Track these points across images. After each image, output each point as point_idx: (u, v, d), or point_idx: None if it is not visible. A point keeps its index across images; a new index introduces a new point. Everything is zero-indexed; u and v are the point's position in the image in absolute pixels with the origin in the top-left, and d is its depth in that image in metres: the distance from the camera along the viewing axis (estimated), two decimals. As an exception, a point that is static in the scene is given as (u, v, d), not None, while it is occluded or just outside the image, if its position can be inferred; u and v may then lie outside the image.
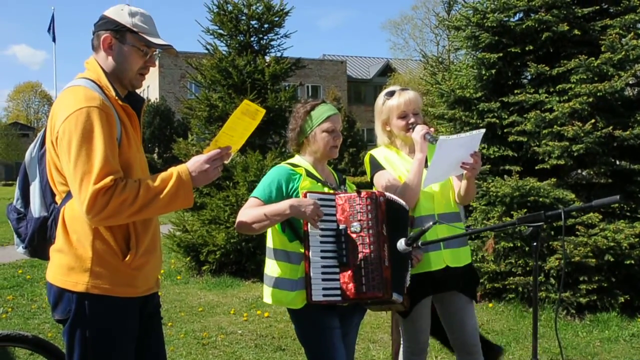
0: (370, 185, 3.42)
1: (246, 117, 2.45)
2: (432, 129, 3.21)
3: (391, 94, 3.32)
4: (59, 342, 5.33)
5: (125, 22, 2.40)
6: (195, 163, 2.38)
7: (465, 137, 3.02)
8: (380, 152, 3.38)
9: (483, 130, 3.06)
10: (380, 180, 3.27)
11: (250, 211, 2.80)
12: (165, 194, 2.28)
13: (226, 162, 2.49)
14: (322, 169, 3.07)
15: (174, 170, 2.35)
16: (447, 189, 3.31)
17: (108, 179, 2.19)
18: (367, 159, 3.41)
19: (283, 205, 2.72)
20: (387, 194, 2.96)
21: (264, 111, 2.50)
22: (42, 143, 2.46)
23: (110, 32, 2.41)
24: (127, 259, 2.36)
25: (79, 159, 2.20)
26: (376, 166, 3.32)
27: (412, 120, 3.24)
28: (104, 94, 2.35)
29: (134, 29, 2.41)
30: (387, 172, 3.27)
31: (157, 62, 2.84)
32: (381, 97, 3.37)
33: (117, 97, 2.39)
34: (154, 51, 2.49)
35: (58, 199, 2.40)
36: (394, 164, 3.30)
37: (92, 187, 2.17)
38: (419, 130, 3.16)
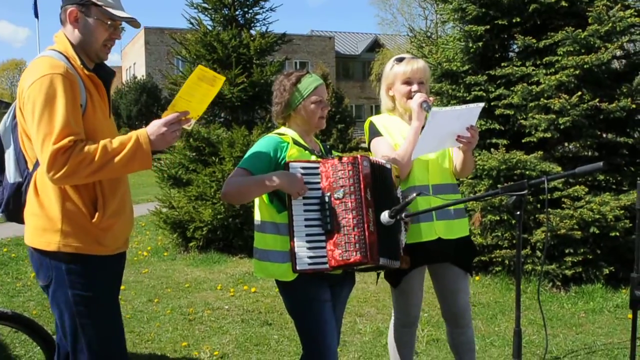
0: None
1: (203, 83, 2.51)
2: (431, 99, 3.18)
3: (400, 59, 3.29)
4: (43, 319, 5.32)
5: None
6: (153, 127, 2.48)
7: (462, 109, 2.96)
8: (380, 119, 3.36)
9: (482, 104, 3.01)
10: (377, 147, 3.25)
11: (236, 180, 2.78)
12: (122, 155, 2.39)
13: (187, 128, 2.60)
14: (309, 140, 3.04)
15: (133, 134, 2.46)
16: (444, 159, 3.27)
17: (66, 140, 2.30)
18: (367, 124, 3.39)
19: (270, 176, 2.71)
20: (372, 157, 2.94)
21: (223, 78, 2.56)
22: (15, 113, 2.59)
23: (76, 6, 2.52)
24: (94, 220, 2.49)
25: (42, 122, 2.32)
26: (374, 132, 3.30)
27: (415, 88, 3.20)
28: (70, 64, 2.46)
29: (99, 3, 2.51)
30: (384, 139, 3.24)
31: (121, 35, 2.84)
32: (390, 61, 3.35)
33: (82, 67, 2.50)
34: (119, 24, 2.60)
35: (30, 165, 2.53)
36: (391, 131, 3.27)
37: (52, 147, 2.28)
38: (417, 98, 3.13)
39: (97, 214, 2.50)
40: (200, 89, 2.51)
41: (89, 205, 2.50)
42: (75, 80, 2.42)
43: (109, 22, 2.54)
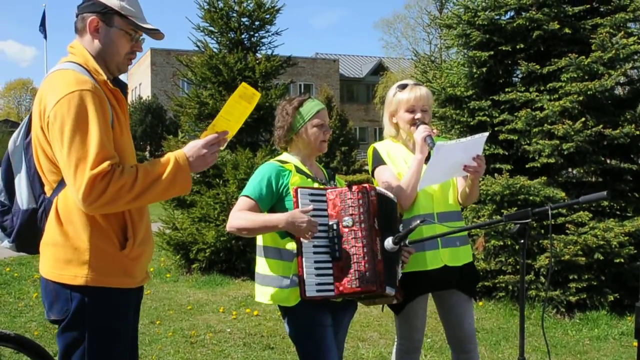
0: (365, 180, 3.40)
1: (243, 101, 2.41)
2: (435, 131, 3.19)
3: (403, 86, 3.29)
4: (45, 340, 5.29)
5: (113, 4, 2.33)
6: (192, 148, 2.32)
7: (466, 141, 2.98)
8: (383, 146, 3.35)
9: (486, 134, 3.02)
10: (380, 176, 3.25)
11: (242, 215, 2.78)
12: (163, 179, 2.22)
13: (222, 147, 2.44)
14: (310, 164, 3.05)
15: (171, 156, 2.28)
16: (448, 187, 3.28)
17: (105, 164, 2.10)
18: (370, 151, 3.39)
19: (276, 219, 2.70)
20: (378, 188, 2.95)
21: (259, 95, 2.46)
22: (28, 131, 2.37)
23: (96, 15, 2.33)
24: (125, 249, 2.29)
25: (73, 145, 2.10)
26: (378, 160, 3.30)
27: (418, 115, 3.20)
28: (92, 78, 2.26)
29: (122, 12, 2.33)
30: (387, 168, 3.25)
31: (142, 47, 2.74)
32: (393, 88, 3.35)
33: (106, 81, 2.31)
34: (141, 35, 2.43)
35: (48, 189, 2.30)
36: (395, 159, 3.28)
37: (89, 173, 2.08)
38: (421, 131, 3.12)
39: (127, 243, 2.30)
40: (239, 107, 2.41)
41: (118, 234, 2.29)
42: (104, 97, 2.23)
43: (132, 33, 2.37)
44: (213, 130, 2.38)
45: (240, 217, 2.78)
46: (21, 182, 2.36)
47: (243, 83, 2.46)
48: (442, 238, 3.11)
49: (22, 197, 2.35)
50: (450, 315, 3.31)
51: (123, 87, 2.47)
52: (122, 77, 2.55)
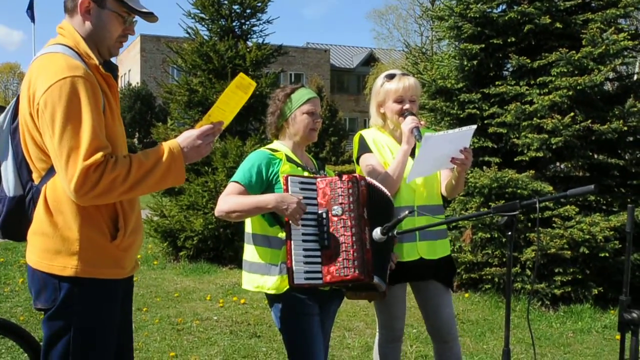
0: (354, 170, 3.39)
1: (239, 91, 2.38)
2: (422, 123, 3.18)
3: (391, 76, 3.28)
4: (30, 326, 5.28)
5: None
6: (187, 138, 2.28)
7: (454, 133, 2.99)
8: (370, 134, 3.35)
9: (474, 127, 3.02)
10: (365, 163, 3.25)
11: (230, 199, 2.78)
12: (157, 170, 2.17)
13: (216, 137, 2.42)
14: (301, 154, 3.06)
15: (165, 146, 2.23)
16: (431, 180, 3.29)
17: (98, 155, 2.04)
18: (356, 138, 3.38)
19: (265, 199, 2.70)
20: (369, 179, 2.96)
21: (255, 84, 2.43)
22: (14, 115, 2.28)
23: None
24: (116, 240, 2.25)
25: (65, 134, 2.03)
26: (364, 147, 3.30)
27: (407, 106, 3.20)
28: (84, 62, 2.18)
29: None
30: (373, 157, 3.25)
31: (134, 30, 2.64)
32: (381, 78, 3.34)
33: (98, 66, 2.23)
34: (134, 18, 2.33)
35: (36, 177, 2.23)
36: (382, 148, 3.28)
37: (82, 164, 2.02)
38: (409, 122, 3.12)
39: (118, 234, 2.25)
40: (235, 97, 2.37)
41: (109, 225, 2.24)
42: (96, 84, 2.15)
43: (125, 16, 2.28)
44: (208, 121, 2.34)
45: (229, 200, 2.78)
46: (8, 169, 2.29)
47: (241, 73, 2.42)
48: (420, 231, 3.12)
49: (9, 184, 2.28)
50: (428, 306, 3.33)
51: (114, 70, 2.39)
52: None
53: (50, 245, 2.19)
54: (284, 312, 2.88)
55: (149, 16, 2.35)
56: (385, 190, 2.99)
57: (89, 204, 2.14)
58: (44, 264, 2.20)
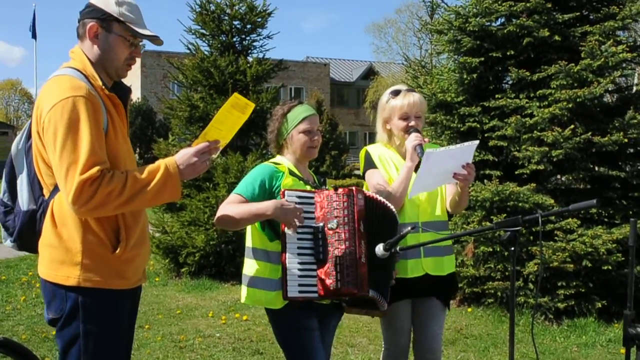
0: (354, 184, 3.39)
1: (235, 111, 2.44)
2: (426, 140, 3.19)
3: (396, 93, 3.29)
4: (32, 344, 5.25)
5: (112, 11, 2.40)
6: (183, 156, 2.38)
7: (455, 149, 2.99)
8: (376, 150, 3.36)
9: (476, 142, 3.03)
10: (371, 179, 3.26)
11: (231, 207, 2.79)
12: (152, 186, 2.28)
13: (214, 156, 2.49)
14: (303, 169, 3.07)
15: (161, 163, 2.34)
16: (435, 197, 3.28)
17: (95, 170, 2.17)
18: (362, 153, 3.39)
19: (265, 206, 2.71)
20: (369, 192, 2.96)
21: (253, 105, 2.49)
22: (29, 135, 2.44)
23: (96, 21, 2.40)
24: (117, 252, 2.35)
25: (65, 149, 2.18)
26: (369, 163, 3.31)
27: (412, 123, 3.21)
28: (89, 83, 2.33)
29: (121, 19, 2.40)
30: (378, 173, 3.26)
31: (141, 53, 2.76)
32: (386, 94, 3.35)
33: (103, 87, 2.38)
34: (140, 41, 2.49)
35: (46, 192, 2.38)
36: (387, 164, 3.28)
37: (79, 178, 2.15)
38: (412, 139, 3.13)
39: (119, 246, 2.36)
40: (231, 117, 2.45)
41: (111, 237, 2.36)
42: (98, 103, 2.29)
43: (130, 40, 2.43)
44: (204, 139, 2.42)
45: (228, 208, 2.79)
46: (22, 184, 2.45)
47: (235, 93, 2.49)
48: (425, 247, 3.11)
49: (23, 198, 2.44)
50: (417, 320, 3.31)
51: (125, 91, 2.56)
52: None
53: (55, 256, 2.33)
54: (284, 327, 2.89)
55: (154, 39, 2.49)
56: (390, 205, 2.98)
57: (87, 216, 2.28)
58: (51, 274, 2.35)
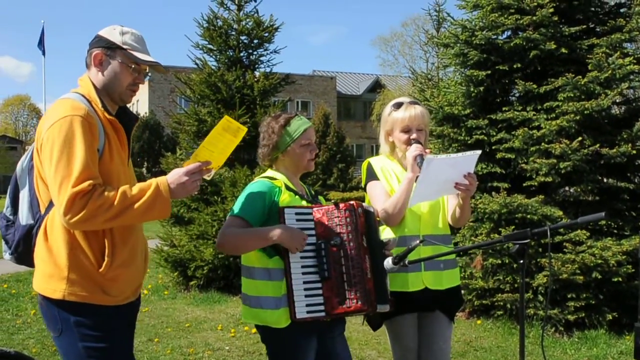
0: (362, 197, 3.40)
1: (227, 134, 2.49)
2: (427, 151, 3.15)
3: (398, 105, 3.26)
4: (43, 357, 5.28)
5: (116, 39, 2.53)
6: (174, 175, 2.45)
7: (457, 157, 2.95)
8: (378, 161, 3.34)
9: (479, 152, 2.99)
10: (372, 191, 3.24)
11: (234, 233, 2.74)
12: (141, 203, 2.35)
13: (207, 177, 2.56)
14: (297, 182, 3.02)
15: (153, 181, 2.42)
16: (437, 210, 3.25)
17: (86, 184, 2.26)
18: (364, 165, 3.37)
19: (272, 233, 2.67)
20: (364, 204, 2.95)
21: (245, 129, 2.52)
22: (32, 156, 2.54)
23: (101, 49, 2.53)
24: (101, 269, 2.41)
25: (60, 163, 2.28)
26: (371, 175, 3.29)
27: (414, 135, 3.18)
28: (91, 107, 2.44)
29: (124, 47, 2.52)
30: (380, 184, 3.23)
31: (146, 80, 2.88)
32: (388, 107, 3.32)
33: (103, 110, 2.48)
34: (145, 68, 2.61)
35: (42, 208, 2.47)
36: (389, 176, 3.26)
37: (71, 190, 2.24)
38: (413, 150, 3.09)
39: (104, 263, 2.41)
40: (223, 140, 2.49)
41: (97, 254, 2.42)
42: (95, 124, 2.38)
43: (133, 66, 2.54)
44: (195, 160, 2.48)
45: (231, 233, 2.74)
46: (23, 200, 2.54)
47: (226, 116, 2.56)
48: (426, 261, 3.07)
49: (23, 213, 2.53)
50: (422, 334, 3.25)
51: (131, 118, 2.67)
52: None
53: (46, 270, 2.43)
54: (281, 347, 2.81)
55: (155, 66, 2.61)
56: (372, 210, 2.97)
57: (77, 228, 2.35)
58: (42, 287, 2.45)
